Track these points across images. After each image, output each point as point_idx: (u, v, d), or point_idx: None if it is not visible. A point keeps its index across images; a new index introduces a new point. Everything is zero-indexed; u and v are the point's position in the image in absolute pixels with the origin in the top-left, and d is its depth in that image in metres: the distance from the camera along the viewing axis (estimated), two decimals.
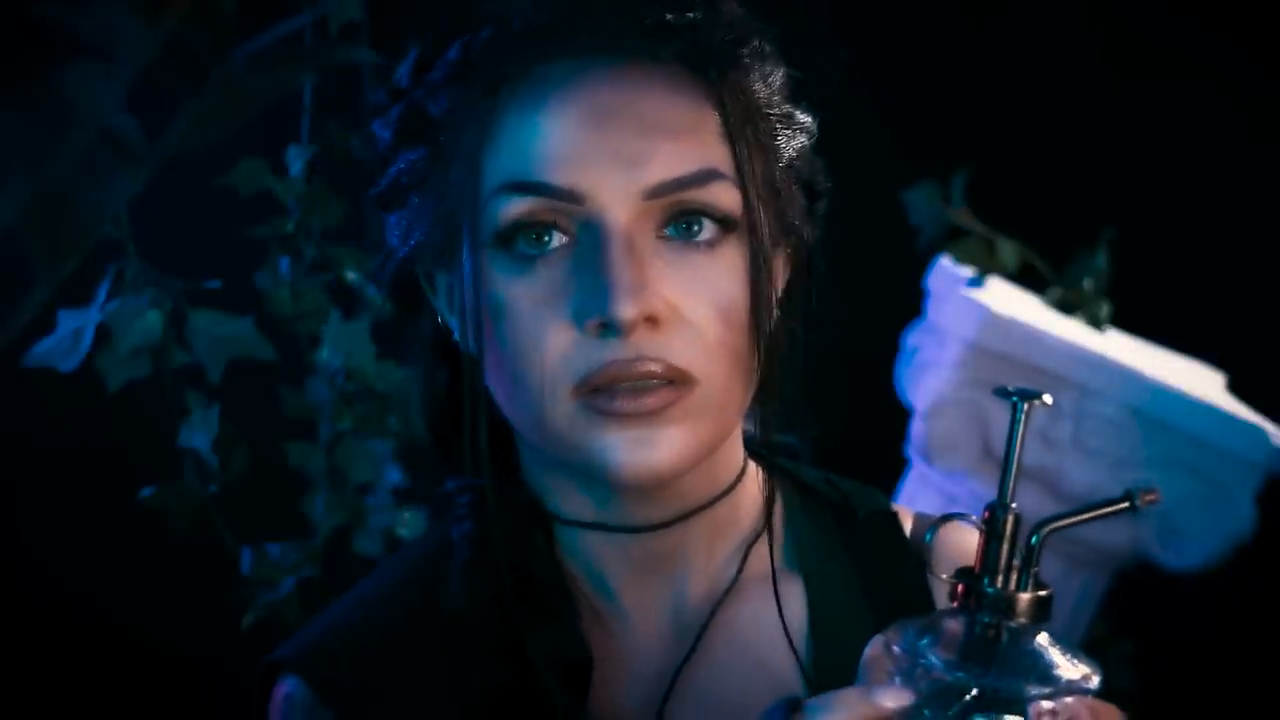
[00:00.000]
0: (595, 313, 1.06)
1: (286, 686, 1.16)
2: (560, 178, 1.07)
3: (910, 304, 2.44)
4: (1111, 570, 2.44)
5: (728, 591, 1.17)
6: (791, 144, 1.15)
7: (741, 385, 1.11)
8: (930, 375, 2.38)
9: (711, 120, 1.10)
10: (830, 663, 1.16)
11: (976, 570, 0.96)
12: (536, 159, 1.08)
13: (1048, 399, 1.02)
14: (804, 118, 1.16)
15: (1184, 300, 2.72)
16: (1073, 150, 2.78)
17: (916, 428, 2.40)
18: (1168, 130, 2.80)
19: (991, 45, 2.75)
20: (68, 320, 1.77)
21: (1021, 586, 0.96)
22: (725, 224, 1.09)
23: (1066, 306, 2.49)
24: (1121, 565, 2.44)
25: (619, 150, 1.08)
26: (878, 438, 2.42)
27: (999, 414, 2.34)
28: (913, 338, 2.45)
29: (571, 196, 1.07)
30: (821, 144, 1.18)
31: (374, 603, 1.20)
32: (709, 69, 1.10)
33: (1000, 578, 0.96)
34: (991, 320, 2.33)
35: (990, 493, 1.01)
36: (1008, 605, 0.95)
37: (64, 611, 2.48)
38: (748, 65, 1.13)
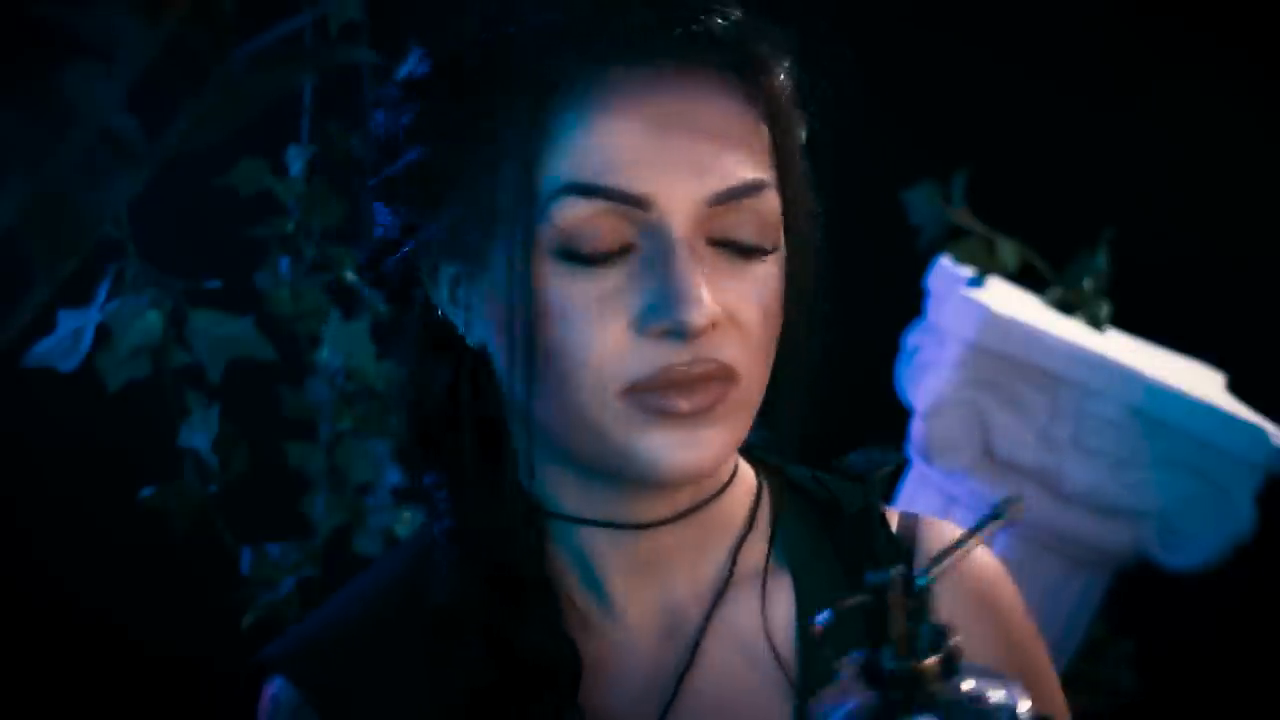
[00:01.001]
0: (664, 318, 1.07)
1: (273, 687, 1.16)
2: (629, 183, 1.08)
3: (910, 304, 2.44)
4: (1111, 570, 2.44)
5: (722, 592, 1.17)
6: (800, 148, 1.17)
7: (765, 384, 1.13)
8: (930, 375, 2.38)
9: (755, 129, 1.12)
10: (819, 661, 1.16)
11: (872, 645, 0.89)
12: (604, 163, 1.08)
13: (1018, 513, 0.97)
14: (803, 120, 1.17)
15: (1184, 300, 2.72)
16: (1073, 150, 2.78)
17: (916, 428, 2.40)
18: (1168, 130, 2.80)
19: (992, 45, 2.75)
20: (68, 320, 1.77)
21: (923, 647, 0.88)
22: (768, 230, 1.11)
23: (1066, 306, 2.49)
24: (1121, 565, 2.44)
25: (684, 157, 1.09)
26: (878, 438, 2.42)
27: (999, 414, 2.34)
28: (913, 338, 2.45)
29: (640, 202, 1.08)
30: (822, 144, 1.18)
31: (362, 602, 1.21)
32: (752, 76, 1.12)
33: (900, 646, 0.88)
34: (991, 320, 2.33)
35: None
36: (916, 678, 0.88)
37: (64, 611, 2.48)
38: (777, 73, 1.14)
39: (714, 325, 1.08)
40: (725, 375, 1.09)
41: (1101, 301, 2.49)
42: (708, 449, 1.10)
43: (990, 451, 2.36)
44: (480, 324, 1.15)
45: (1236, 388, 2.50)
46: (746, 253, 1.11)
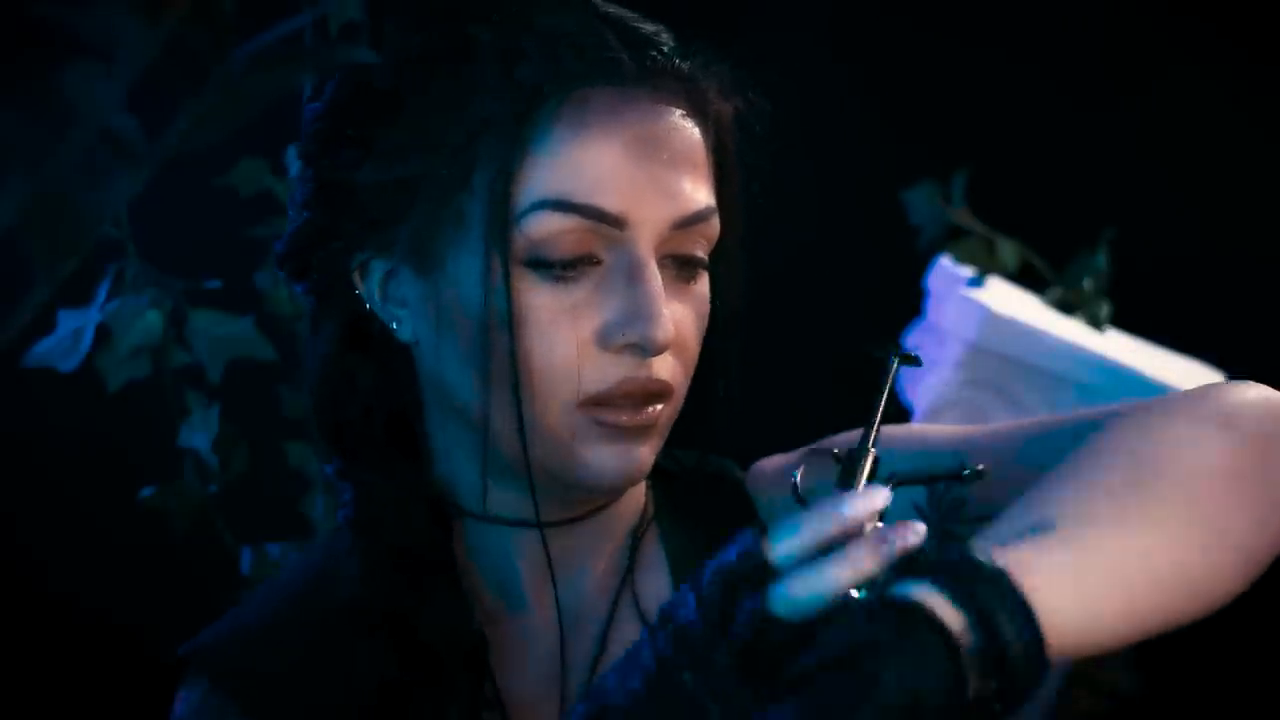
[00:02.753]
0: (633, 334, 1.12)
1: (190, 683, 1.20)
2: (609, 203, 1.12)
3: (910, 304, 2.44)
4: None
5: (624, 580, 1.22)
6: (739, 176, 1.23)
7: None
8: (930, 375, 2.38)
9: (708, 156, 1.17)
10: None
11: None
12: (585, 181, 1.11)
13: (918, 360, 1.10)
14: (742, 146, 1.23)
15: (1184, 300, 2.72)
16: (1073, 150, 2.78)
17: None
18: (1168, 130, 2.80)
19: (992, 45, 2.75)
20: (68, 320, 1.77)
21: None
22: (707, 254, 1.18)
23: (1066, 306, 2.49)
24: None
25: (658, 182, 1.13)
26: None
27: (999, 414, 2.34)
28: (913, 338, 2.45)
29: (616, 221, 1.12)
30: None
31: (277, 596, 1.24)
32: (707, 108, 1.18)
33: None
34: (991, 320, 2.33)
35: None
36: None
37: (64, 611, 2.48)
38: (724, 107, 1.20)
39: (673, 344, 1.14)
40: (667, 393, 1.15)
41: (1101, 301, 2.49)
42: (642, 461, 1.15)
43: None
44: (418, 322, 1.17)
45: None
46: (689, 274, 1.16)
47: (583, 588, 1.22)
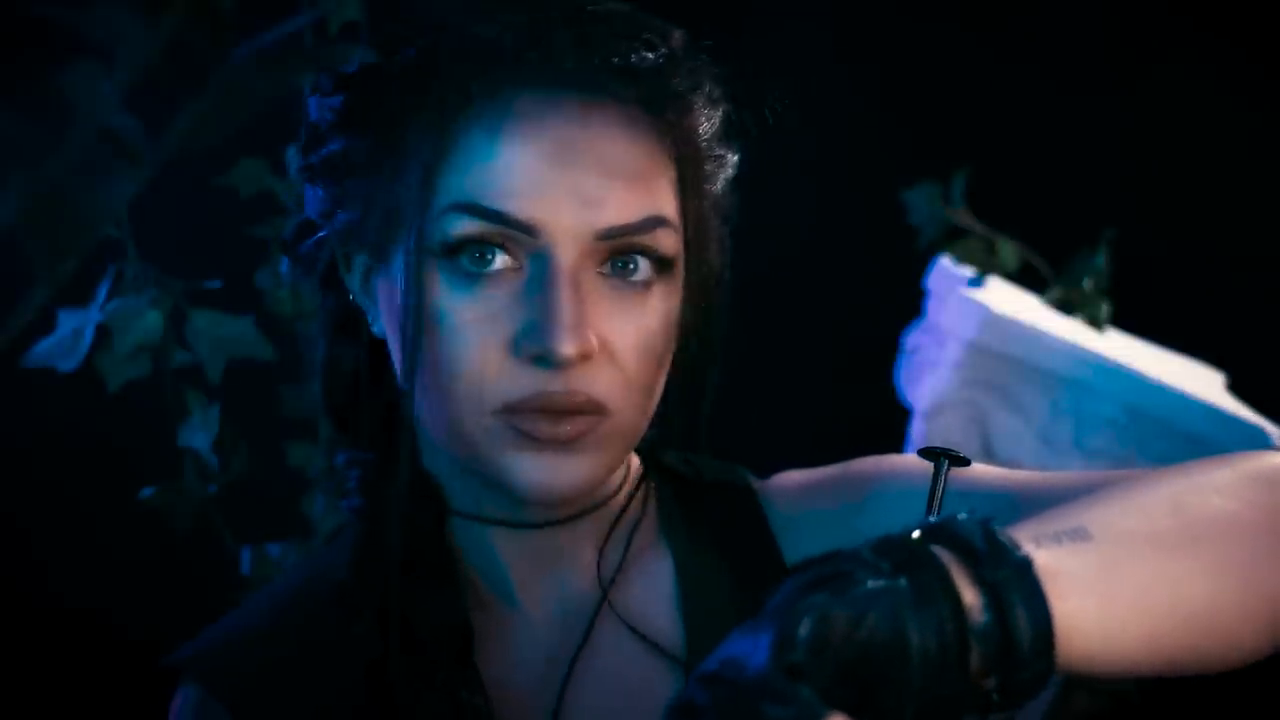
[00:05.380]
0: (537, 345, 1.10)
1: (185, 691, 1.20)
2: (518, 209, 1.10)
3: (910, 304, 2.44)
4: None
5: (613, 579, 1.21)
6: (719, 183, 1.19)
7: (648, 415, 1.17)
8: (930, 375, 2.38)
9: (661, 165, 1.14)
10: (700, 624, 1.21)
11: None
12: (496, 186, 1.10)
13: (968, 461, 1.07)
14: (732, 156, 1.20)
15: (1184, 300, 2.72)
16: (1073, 150, 2.78)
17: (916, 428, 2.40)
18: (1168, 130, 2.80)
19: (992, 45, 2.75)
20: (68, 320, 1.77)
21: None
22: (661, 266, 1.14)
23: (1066, 306, 2.49)
24: None
25: (578, 190, 1.10)
26: (878, 438, 2.42)
27: (999, 414, 2.34)
28: (913, 338, 2.45)
29: (526, 229, 1.10)
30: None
31: (274, 597, 1.24)
32: (666, 113, 1.14)
33: None
34: (991, 320, 2.33)
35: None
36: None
37: (64, 611, 2.48)
38: (698, 111, 1.16)
39: (585, 357, 1.10)
40: (594, 409, 1.12)
41: (1101, 301, 2.49)
42: (572, 475, 1.12)
43: (990, 451, 2.36)
44: (382, 316, 1.18)
45: (1236, 388, 2.49)
46: (633, 286, 1.13)
47: (575, 586, 1.22)
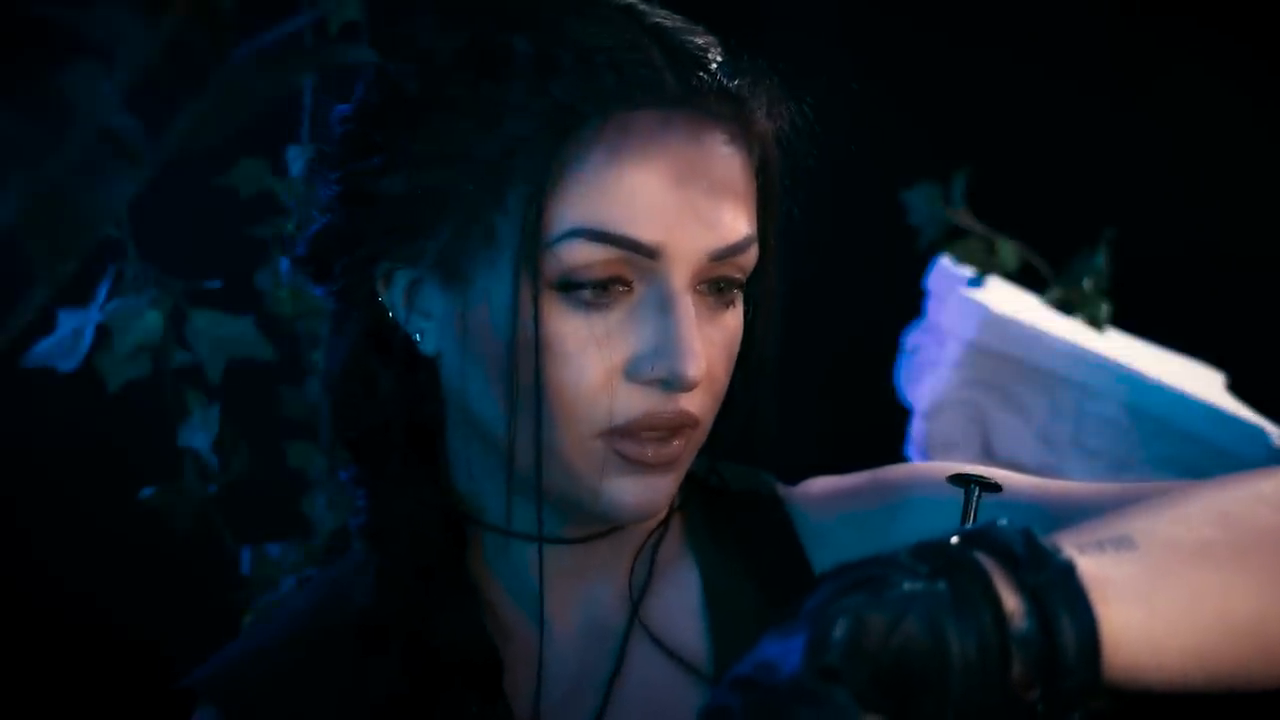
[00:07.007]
0: (663, 369, 1.08)
1: (199, 710, 1.18)
2: (644, 233, 1.08)
3: (910, 304, 2.44)
4: None
5: (642, 594, 1.20)
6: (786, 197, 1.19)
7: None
8: (930, 375, 2.38)
9: (751, 181, 1.13)
10: (727, 636, 1.19)
11: None
12: (621, 211, 1.07)
13: (999, 487, 1.04)
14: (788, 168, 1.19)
15: (1184, 300, 2.72)
16: (1073, 150, 2.78)
17: (916, 428, 2.40)
18: (1168, 130, 2.80)
19: (992, 45, 2.75)
20: (68, 320, 1.77)
21: None
22: (744, 280, 1.13)
23: (1066, 306, 2.49)
24: None
25: (696, 211, 1.09)
26: (878, 438, 2.42)
27: (999, 414, 2.34)
28: (913, 338, 2.45)
29: (651, 253, 1.08)
30: (822, 144, 1.19)
31: (286, 616, 1.21)
32: (755, 129, 1.13)
33: None
34: (991, 320, 2.33)
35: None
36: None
37: (64, 611, 2.48)
38: (784, 130, 1.16)
39: (702, 379, 1.10)
40: (692, 425, 1.11)
41: (1101, 301, 2.49)
42: (664, 494, 1.12)
43: (990, 451, 2.36)
44: (442, 336, 1.14)
45: (1236, 388, 2.50)
46: (723, 302, 1.12)
47: (604, 601, 1.20)
